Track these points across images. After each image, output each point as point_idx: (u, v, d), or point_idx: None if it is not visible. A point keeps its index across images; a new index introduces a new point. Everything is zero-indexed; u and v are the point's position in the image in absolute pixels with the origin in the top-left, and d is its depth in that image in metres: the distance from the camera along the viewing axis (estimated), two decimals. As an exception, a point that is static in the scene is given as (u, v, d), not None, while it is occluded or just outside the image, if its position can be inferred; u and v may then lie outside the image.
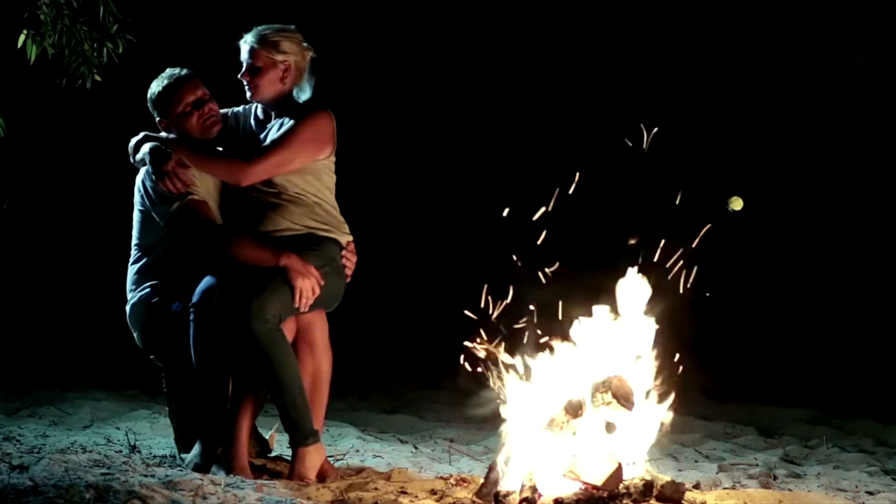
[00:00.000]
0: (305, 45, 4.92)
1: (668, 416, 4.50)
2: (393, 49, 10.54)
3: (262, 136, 4.87)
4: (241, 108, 5.00)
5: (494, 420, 6.41)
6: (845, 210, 10.77)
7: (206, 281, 4.70)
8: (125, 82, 5.23)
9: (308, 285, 4.67)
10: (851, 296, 10.57)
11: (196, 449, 4.74)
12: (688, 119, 10.75)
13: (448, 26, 10.60)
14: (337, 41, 9.47)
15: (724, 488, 4.92)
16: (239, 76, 4.87)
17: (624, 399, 4.40)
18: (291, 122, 4.81)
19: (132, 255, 4.92)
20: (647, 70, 10.71)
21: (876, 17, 9.97)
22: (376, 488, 4.55)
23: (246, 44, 4.86)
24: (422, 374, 9.05)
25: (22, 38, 4.93)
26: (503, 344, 4.61)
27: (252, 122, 4.95)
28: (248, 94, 4.90)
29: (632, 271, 4.59)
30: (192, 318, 4.67)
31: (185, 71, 4.88)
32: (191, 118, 4.83)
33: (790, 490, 4.93)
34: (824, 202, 10.80)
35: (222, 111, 4.96)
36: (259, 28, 4.88)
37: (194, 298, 4.67)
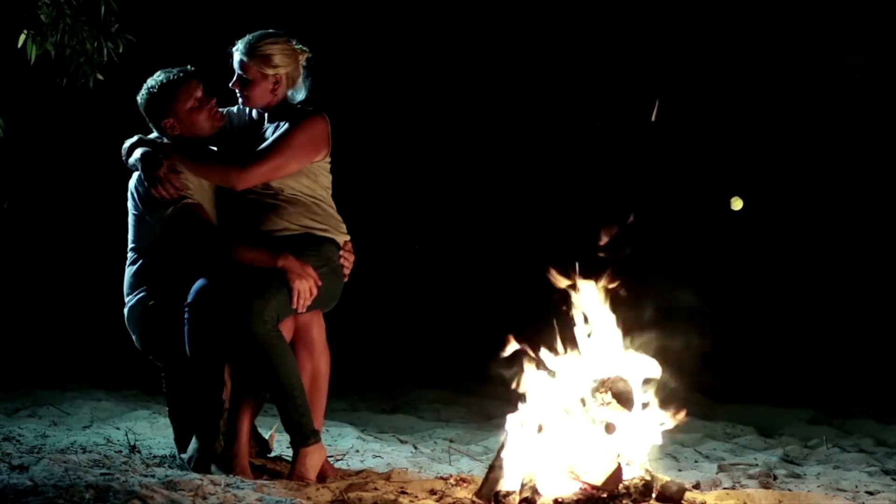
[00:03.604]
0: (299, 47, 4.90)
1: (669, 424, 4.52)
2: (392, 49, 10.54)
3: (257, 137, 4.86)
4: (235, 108, 4.99)
5: (495, 420, 6.42)
6: (845, 210, 10.77)
7: (201, 281, 4.70)
8: (125, 82, 5.23)
9: (306, 286, 4.67)
10: (851, 296, 10.57)
11: (193, 446, 4.74)
12: (688, 119, 10.75)
13: (448, 26, 10.60)
14: (336, 41, 9.47)
15: (724, 488, 4.92)
16: (230, 85, 4.86)
17: (624, 399, 4.40)
18: (287, 125, 4.80)
19: (128, 258, 4.92)
20: (647, 70, 10.71)
21: (876, 17, 9.97)
22: (376, 488, 4.55)
23: (237, 53, 4.84)
24: (421, 374, 9.05)
25: (22, 38, 4.92)
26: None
27: (247, 122, 4.95)
28: (240, 102, 4.91)
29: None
30: (186, 317, 4.67)
31: (187, 67, 4.87)
32: (201, 113, 4.82)
33: (790, 490, 4.93)
34: (824, 202, 10.80)
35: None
36: (250, 38, 4.83)
37: (189, 297, 4.68)
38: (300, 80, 4.90)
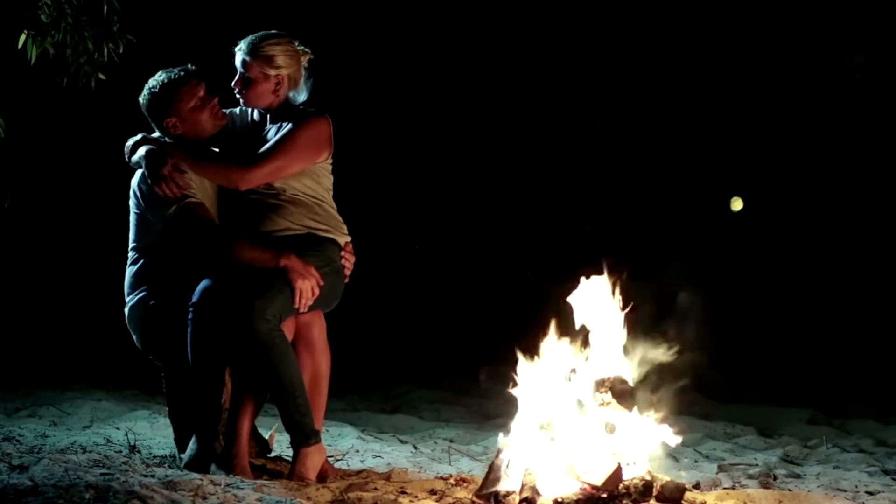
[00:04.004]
0: (301, 48, 4.90)
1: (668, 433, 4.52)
2: (393, 49, 10.54)
3: (259, 138, 4.86)
4: (237, 109, 4.99)
5: (495, 420, 6.42)
6: (845, 210, 10.77)
7: (206, 281, 4.70)
8: (126, 82, 5.23)
9: (308, 286, 4.67)
10: (851, 296, 10.57)
11: (192, 446, 4.74)
12: (688, 119, 10.75)
13: (448, 26, 10.60)
14: (337, 42, 9.47)
15: (724, 488, 4.92)
16: (232, 84, 4.86)
17: (623, 399, 4.40)
18: (289, 126, 4.80)
19: (129, 258, 4.91)
20: (647, 70, 10.72)
21: (876, 17, 9.97)
22: (376, 488, 4.55)
23: (239, 53, 4.83)
24: (421, 374, 9.05)
25: (22, 38, 4.92)
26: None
27: (249, 123, 4.94)
28: (241, 103, 4.91)
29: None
30: (190, 317, 4.67)
31: (188, 67, 4.87)
32: (203, 112, 4.81)
33: (790, 490, 4.93)
34: (824, 202, 10.80)
35: None
36: (252, 38, 4.83)
37: (194, 298, 4.68)
38: (302, 81, 4.90)
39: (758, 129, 10.79)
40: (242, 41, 4.85)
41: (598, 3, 10.55)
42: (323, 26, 9.33)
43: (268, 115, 4.90)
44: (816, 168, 10.78)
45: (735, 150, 10.69)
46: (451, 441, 6.36)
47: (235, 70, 4.85)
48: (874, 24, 10.05)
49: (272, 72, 4.82)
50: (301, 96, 4.92)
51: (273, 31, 4.87)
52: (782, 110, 10.75)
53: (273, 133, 4.84)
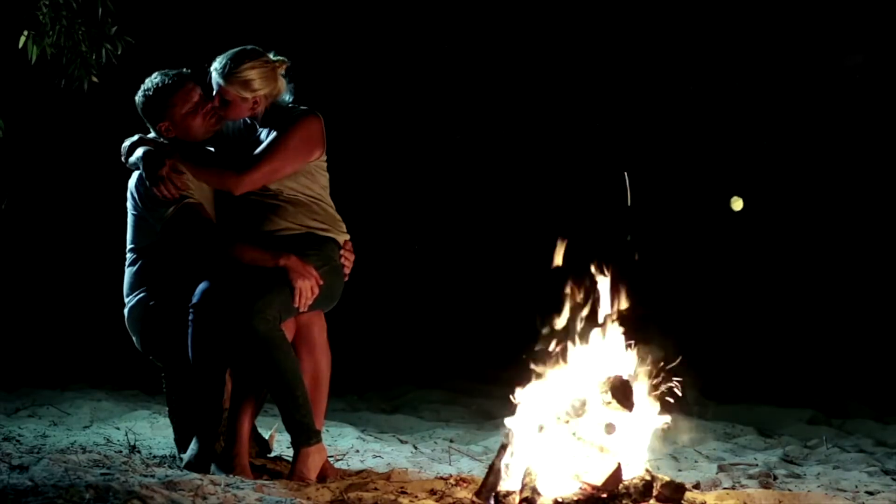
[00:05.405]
0: (277, 59, 4.86)
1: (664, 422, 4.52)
2: (392, 49, 10.55)
3: (252, 140, 4.85)
4: None
5: (495, 420, 6.42)
6: (845, 210, 10.78)
7: (206, 282, 4.70)
8: (124, 83, 5.23)
9: (307, 285, 4.67)
10: (850, 296, 10.58)
11: (193, 446, 4.74)
12: (688, 119, 10.75)
13: (447, 26, 10.60)
14: (336, 41, 9.47)
15: (724, 488, 4.93)
16: (210, 100, 4.83)
17: (623, 399, 4.40)
18: (280, 128, 4.79)
19: (128, 259, 4.91)
20: (647, 70, 10.72)
21: (876, 17, 9.97)
22: (376, 488, 4.55)
23: (215, 74, 4.80)
24: (421, 374, 9.05)
25: (23, 38, 4.92)
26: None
27: (241, 126, 4.93)
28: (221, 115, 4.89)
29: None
30: (191, 317, 4.67)
31: (183, 70, 4.87)
32: (196, 117, 4.81)
33: (790, 490, 4.93)
34: (824, 202, 10.81)
35: None
36: (226, 62, 4.77)
37: (194, 299, 4.68)
38: (282, 87, 4.87)
39: (758, 129, 10.79)
40: (217, 61, 4.80)
41: (598, 3, 10.55)
42: (323, 26, 9.33)
43: (258, 118, 4.89)
44: (816, 168, 10.78)
45: (735, 150, 10.70)
46: (451, 441, 6.36)
47: (212, 87, 4.82)
48: (874, 24, 10.06)
49: (249, 95, 4.80)
50: (286, 97, 4.90)
51: (247, 49, 4.80)
52: (782, 110, 10.75)
53: (265, 135, 4.83)
